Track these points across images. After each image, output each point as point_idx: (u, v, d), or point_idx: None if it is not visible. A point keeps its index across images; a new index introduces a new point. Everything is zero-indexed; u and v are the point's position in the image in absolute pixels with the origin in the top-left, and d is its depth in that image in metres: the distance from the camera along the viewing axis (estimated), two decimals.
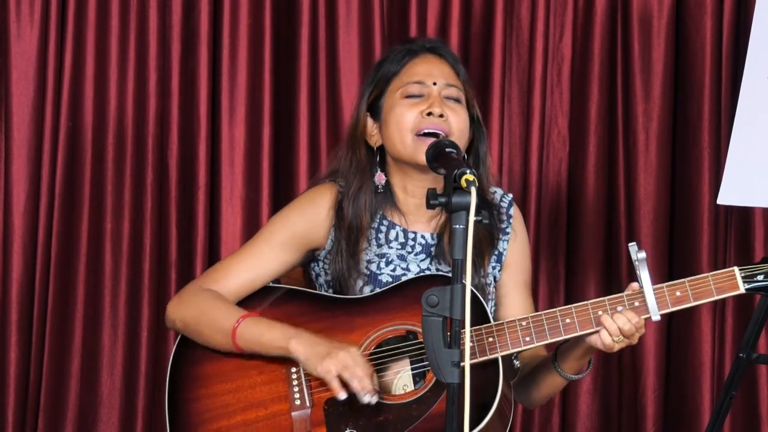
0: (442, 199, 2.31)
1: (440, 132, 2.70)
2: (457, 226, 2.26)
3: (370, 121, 2.82)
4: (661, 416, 3.75)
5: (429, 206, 2.34)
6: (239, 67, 3.72)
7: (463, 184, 2.30)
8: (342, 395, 2.57)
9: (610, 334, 2.58)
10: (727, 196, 3.21)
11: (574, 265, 3.78)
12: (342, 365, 2.57)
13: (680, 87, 3.78)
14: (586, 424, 3.77)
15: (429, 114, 2.72)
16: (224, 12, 3.71)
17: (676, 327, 3.78)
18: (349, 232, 2.77)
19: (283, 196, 3.67)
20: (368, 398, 2.57)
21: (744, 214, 3.67)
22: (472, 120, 2.81)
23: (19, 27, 3.64)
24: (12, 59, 3.64)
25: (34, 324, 3.66)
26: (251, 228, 3.59)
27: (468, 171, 2.31)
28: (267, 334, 2.67)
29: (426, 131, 2.71)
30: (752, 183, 3.16)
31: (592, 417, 3.78)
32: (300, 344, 2.63)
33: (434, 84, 2.76)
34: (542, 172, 3.75)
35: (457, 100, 2.78)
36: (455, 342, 2.23)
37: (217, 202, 3.73)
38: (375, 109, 2.81)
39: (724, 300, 3.71)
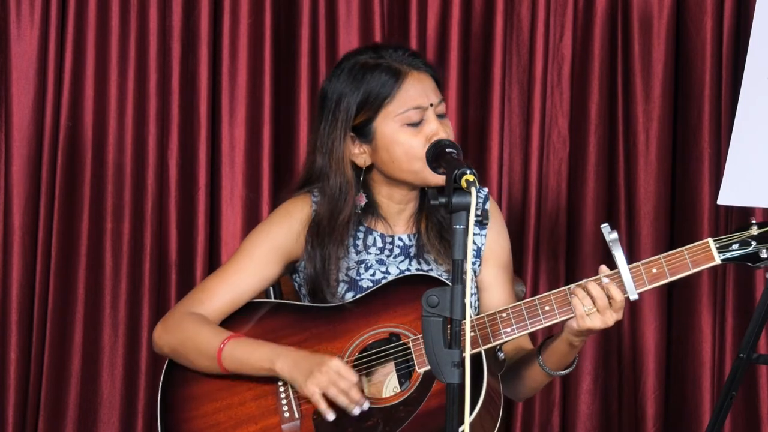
0: (443, 199, 2.31)
1: None
2: (457, 227, 2.27)
3: (354, 142, 2.76)
4: (662, 416, 3.74)
5: (430, 206, 2.34)
6: (239, 67, 3.72)
7: (464, 184, 2.30)
8: (330, 416, 2.58)
9: (580, 300, 2.56)
10: (727, 197, 3.20)
11: (574, 265, 3.78)
12: (326, 382, 2.57)
13: (680, 87, 3.78)
14: (586, 424, 3.77)
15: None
16: (224, 12, 3.71)
17: (676, 327, 3.78)
18: (323, 262, 2.75)
19: (283, 196, 3.66)
20: (357, 410, 2.58)
21: (744, 214, 3.67)
22: None
23: (19, 27, 3.64)
24: (12, 59, 3.63)
25: (34, 324, 3.66)
26: (251, 228, 3.58)
27: (468, 171, 2.32)
28: (252, 355, 2.67)
29: None
30: (752, 183, 3.15)
31: (593, 417, 3.78)
32: (285, 364, 2.63)
33: (431, 105, 2.73)
34: (542, 172, 3.75)
35: (445, 114, 2.77)
36: (455, 342, 2.23)
37: (217, 202, 3.72)
38: (363, 132, 2.75)
39: (724, 300, 3.70)
